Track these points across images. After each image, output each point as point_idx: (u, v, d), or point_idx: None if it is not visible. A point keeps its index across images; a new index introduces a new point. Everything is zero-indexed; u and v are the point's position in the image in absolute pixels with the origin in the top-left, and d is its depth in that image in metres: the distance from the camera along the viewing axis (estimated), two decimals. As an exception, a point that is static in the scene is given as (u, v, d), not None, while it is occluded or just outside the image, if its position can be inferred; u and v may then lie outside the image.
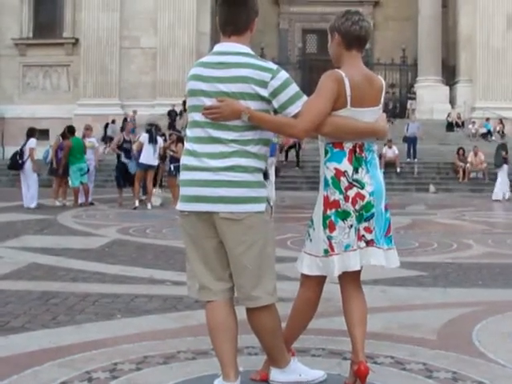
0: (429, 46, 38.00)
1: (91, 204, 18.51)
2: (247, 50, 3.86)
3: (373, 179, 4.06)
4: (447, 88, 38.04)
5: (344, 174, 4.01)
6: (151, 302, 6.52)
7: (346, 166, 4.02)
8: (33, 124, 21.09)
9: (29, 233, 12.16)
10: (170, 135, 19.85)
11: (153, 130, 18.13)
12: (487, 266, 9.10)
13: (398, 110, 39.95)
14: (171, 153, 18.73)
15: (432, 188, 27.06)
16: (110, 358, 4.65)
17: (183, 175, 3.90)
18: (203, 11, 36.29)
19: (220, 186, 3.73)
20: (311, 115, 3.84)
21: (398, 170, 28.98)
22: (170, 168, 18.53)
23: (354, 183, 4.01)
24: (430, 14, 38.15)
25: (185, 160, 3.88)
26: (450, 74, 39.35)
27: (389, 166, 28.63)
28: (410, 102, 38.19)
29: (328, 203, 4.02)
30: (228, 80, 3.75)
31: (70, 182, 18.78)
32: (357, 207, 4.01)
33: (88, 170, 19.17)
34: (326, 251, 4.01)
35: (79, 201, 18.56)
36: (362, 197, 4.01)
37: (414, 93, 38.32)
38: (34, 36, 37.81)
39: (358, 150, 4.06)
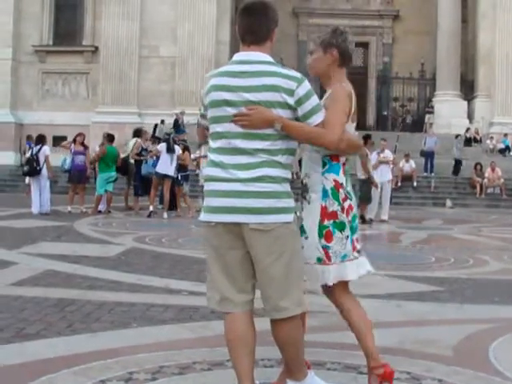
0: (448, 60, 37.95)
1: (108, 212, 18.56)
2: (270, 58, 3.85)
3: (352, 192, 4.23)
4: (465, 103, 37.94)
5: (341, 185, 4.12)
6: (167, 311, 6.51)
7: (342, 178, 4.14)
8: (51, 131, 21.25)
9: (46, 239, 12.20)
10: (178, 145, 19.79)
11: (170, 140, 18.16)
12: (504, 282, 9.05)
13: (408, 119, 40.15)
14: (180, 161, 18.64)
15: (449, 203, 26.99)
16: (125, 367, 4.64)
17: (209, 186, 3.86)
18: (223, 21, 36.39)
19: (249, 197, 3.71)
20: (339, 128, 3.91)
21: (415, 184, 28.92)
22: (177, 177, 18.48)
23: (347, 195, 4.14)
24: (449, 28, 38.11)
25: (210, 171, 3.85)
26: (468, 89, 39.26)
27: (406, 179, 28.64)
28: (427, 116, 38.13)
29: (326, 213, 4.08)
30: (255, 89, 3.73)
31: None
32: (349, 218, 4.12)
33: (116, 178, 19.27)
34: (319, 259, 4.08)
35: (99, 207, 18.66)
36: (352, 208, 4.16)
37: (432, 107, 38.23)
38: (54, 43, 38.02)
39: (345, 163, 4.20)
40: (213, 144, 3.87)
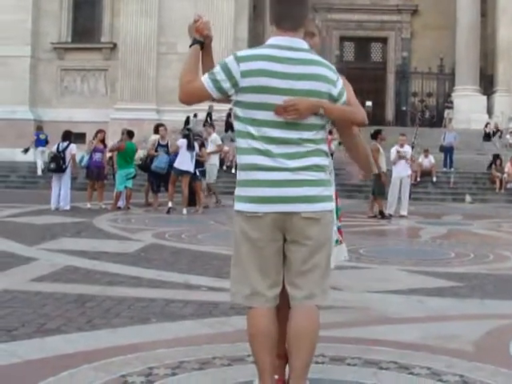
0: (467, 55, 37.77)
1: (128, 208, 18.61)
2: (308, 46, 3.81)
3: None
4: (485, 98, 37.73)
5: None
6: (186, 307, 6.51)
7: None
8: (70, 127, 21.29)
9: (65, 235, 12.24)
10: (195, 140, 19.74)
11: (191, 136, 18.12)
12: (525, 278, 8.99)
13: (435, 119, 39.88)
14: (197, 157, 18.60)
15: (468, 198, 26.84)
16: (145, 362, 4.64)
17: (253, 175, 3.69)
18: (241, 18, 36.40)
19: (300, 186, 3.65)
20: (362, 107, 4.04)
21: (434, 179, 28.80)
22: (195, 172, 18.44)
23: None
24: (468, 23, 37.91)
25: (254, 159, 3.68)
26: (487, 84, 39.06)
27: (425, 175, 28.54)
28: (447, 111, 37.97)
29: (337, 197, 4.32)
30: (304, 77, 3.66)
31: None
32: None
33: (135, 175, 19.30)
34: (336, 241, 4.26)
35: (118, 204, 18.72)
36: None
37: (452, 102, 38.06)
38: (73, 40, 38.18)
39: None
40: (253, 131, 3.68)
